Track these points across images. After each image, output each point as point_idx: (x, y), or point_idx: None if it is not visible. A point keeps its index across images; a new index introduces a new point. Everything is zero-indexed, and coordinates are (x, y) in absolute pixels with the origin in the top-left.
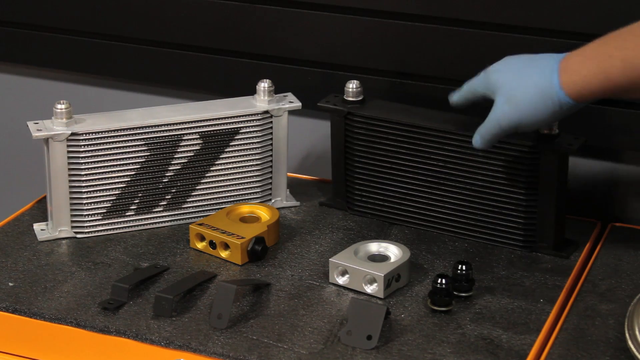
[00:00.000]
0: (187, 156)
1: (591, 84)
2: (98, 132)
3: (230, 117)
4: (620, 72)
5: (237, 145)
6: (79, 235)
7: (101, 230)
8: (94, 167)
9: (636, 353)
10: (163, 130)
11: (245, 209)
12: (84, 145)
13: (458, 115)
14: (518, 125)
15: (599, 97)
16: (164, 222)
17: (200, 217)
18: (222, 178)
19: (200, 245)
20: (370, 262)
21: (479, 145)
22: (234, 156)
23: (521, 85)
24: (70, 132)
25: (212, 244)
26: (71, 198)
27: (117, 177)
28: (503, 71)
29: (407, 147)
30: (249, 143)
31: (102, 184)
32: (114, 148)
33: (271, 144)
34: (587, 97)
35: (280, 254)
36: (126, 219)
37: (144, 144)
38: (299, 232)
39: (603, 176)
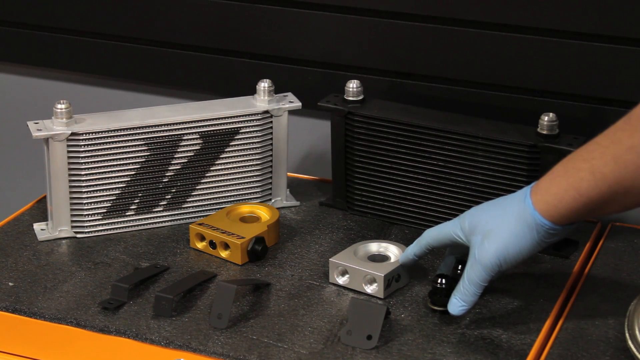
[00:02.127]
0: (187, 156)
1: (563, 200)
2: (98, 132)
3: (230, 117)
4: (590, 185)
5: (237, 145)
6: (79, 235)
7: (101, 230)
8: (94, 167)
9: (636, 353)
10: (163, 130)
11: (245, 209)
12: (84, 145)
13: (458, 115)
14: (502, 260)
15: (578, 217)
16: (164, 222)
17: (200, 217)
18: (222, 178)
19: (200, 245)
20: (370, 262)
21: (462, 310)
22: (234, 156)
23: (496, 218)
24: (70, 132)
25: (212, 244)
26: (71, 198)
27: (117, 177)
28: (476, 213)
29: (407, 147)
30: (249, 143)
31: (102, 184)
32: (114, 148)
33: (271, 144)
34: (565, 217)
35: (280, 254)
36: (126, 219)
37: (144, 144)
38: (299, 232)
39: None
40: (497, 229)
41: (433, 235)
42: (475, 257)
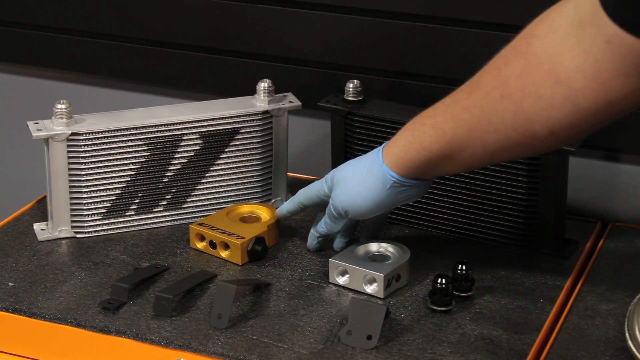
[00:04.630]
0: (187, 156)
1: (408, 153)
2: (98, 132)
3: (230, 117)
4: (432, 139)
5: (237, 145)
6: (79, 235)
7: (101, 230)
8: (94, 167)
9: (636, 353)
10: (163, 130)
11: (245, 209)
12: (84, 145)
13: None
14: (349, 207)
15: (424, 171)
16: (164, 222)
17: (200, 217)
18: (222, 178)
19: (200, 245)
20: (370, 262)
21: (322, 231)
22: (234, 156)
23: (350, 168)
24: (70, 132)
25: (212, 244)
26: (71, 198)
27: (117, 177)
28: (340, 167)
29: None
30: (249, 143)
31: (102, 184)
32: (114, 148)
33: (271, 144)
34: (411, 170)
35: (280, 254)
36: (126, 219)
37: (144, 144)
38: (299, 232)
39: (603, 176)
40: (349, 178)
41: (303, 193)
42: (331, 199)
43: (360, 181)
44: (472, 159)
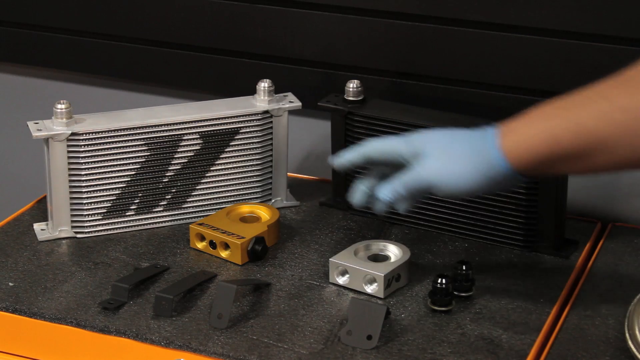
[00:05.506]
0: (187, 156)
1: (535, 144)
2: (98, 132)
3: (230, 117)
4: (568, 134)
5: (237, 145)
6: (79, 235)
7: (101, 230)
8: (94, 167)
9: (636, 353)
10: (163, 130)
11: (245, 209)
12: (84, 145)
13: (458, 115)
14: (438, 181)
15: (543, 167)
16: (164, 222)
17: (200, 217)
18: (222, 178)
19: (200, 245)
20: (370, 262)
21: (384, 197)
22: (234, 156)
23: (450, 142)
24: (70, 132)
25: (212, 244)
26: (71, 198)
27: (117, 177)
28: (432, 132)
29: None
30: (249, 143)
31: (102, 184)
32: (114, 148)
33: (271, 144)
34: (529, 163)
35: (280, 254)
36: (126, 219)
37: (144, 144)
38: (299, 232)
39: (603, 176)
40: (449, 151)
41: (376, 146)
42: (419, 166)
43: (463, 159)
44: (610, 162)
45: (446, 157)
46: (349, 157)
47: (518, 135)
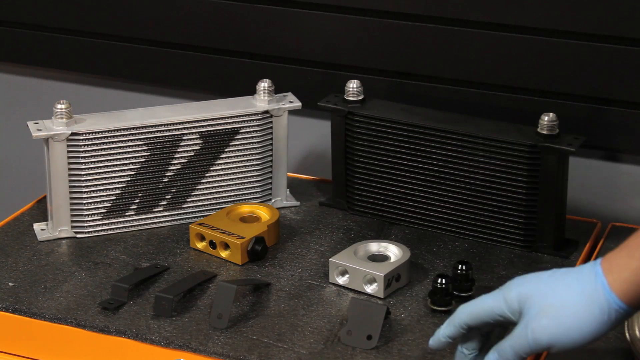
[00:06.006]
0: (187, 156)
1: None
2: (98, 132)
3: (230, 117)
4: None
5: (237, 145)
6: (79, 235)
7: (101, 230)
8: (94, 167)
9: (636, 353)
10: (163, 130)
11: (245, 209)
12: (84, 145)
13: (458, 115)
14: (557, 342)
15: None
16: (164, 222)
17: (200, 217)
18: (222, 178)
19: (200, 245)
20: (370, 262)
21: None
22: (234, 156)
23: (558, 292)
24: (70, 132)
25: (212, 244)
26: (71, 198)
27: (117, 177)
28: (528, 282)
29: (407, 147)
30: (249, 143)
31: (102, 184)
32: (114, 148)
33: (271, 144)
34: None
35: (280, 254)
36: (126, 219)
37: (144, 144)
38: (299, 232)
39: (603, 176)
40: (560, 305)
41: (469, 311)
42: (528, 329)
43: (579, 312)
44: None
45: (562, 315)
46: (445, 332)
47: (626, 271)
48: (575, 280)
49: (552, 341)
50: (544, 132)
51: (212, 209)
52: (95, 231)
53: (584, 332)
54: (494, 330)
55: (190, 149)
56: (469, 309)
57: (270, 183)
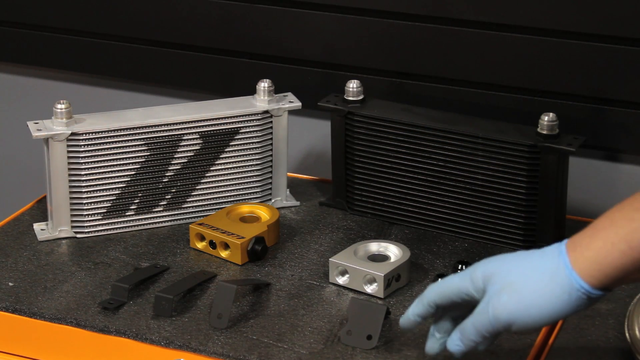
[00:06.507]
0: (187, 156)
1: (610, 256)
2: (98, 132)
3: (230, 117)
4: None
5: (237, 145)
6: (79, 235)
7: (101, 230)
8: (94, 167)
9: (636, 353)
10: (163, 130)
11: (245, 209)
12: (84, 145)
13: (458, 115)
14: (518, 320)
15: (622, 278)
16: (164, 222)
17: (200, 217)
18: (222, 178)
19: (200, 245)
20: (370, 262)
21: (457, 349)
22: (234, 156)
23: (521, 270)
24: (70, 132)
25: (212, 244)
26: (71, 198)
27: (117, 177)
28: (494, 261)
29: (407, 146)
30: (249, 143)
31: (102, 184)
32: (114, 148)
33: (271, 144)
34: (609, 278)
35: (280, 254)
36: (126, 219)
37: (144, 144)
38: (299, 232)
39: (603, 176)
40: (521, 282)
41: (437, 290)
42: (489, 306)
43: (539, 290)
44: None
45: (523, 292)
46: (414, 311)
47: (589, 251)
48: (538, 259)
49: (511, 318)
50: (544, 132)
51: (212, 209)
52: (95, 231)
53: (543, 310)
54: (465, 316)
55: (190, 149)
56: (437, 287)
57: (270, 183)
